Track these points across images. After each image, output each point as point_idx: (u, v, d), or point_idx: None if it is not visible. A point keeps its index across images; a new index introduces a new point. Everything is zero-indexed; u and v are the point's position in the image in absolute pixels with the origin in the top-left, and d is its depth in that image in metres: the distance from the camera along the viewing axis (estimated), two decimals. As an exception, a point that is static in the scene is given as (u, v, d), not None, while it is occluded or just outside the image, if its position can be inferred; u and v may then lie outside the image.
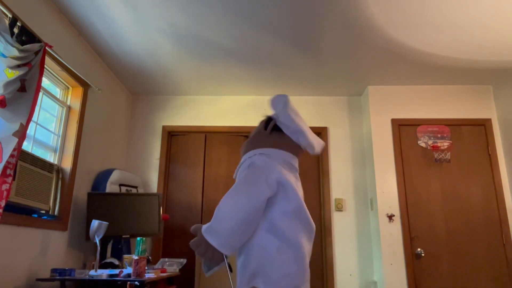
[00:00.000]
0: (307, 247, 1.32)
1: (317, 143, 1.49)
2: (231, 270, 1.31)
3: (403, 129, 3.63)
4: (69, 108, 2.99)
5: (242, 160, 1.48)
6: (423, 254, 3.30)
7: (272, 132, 1.47)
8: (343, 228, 3.63)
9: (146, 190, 3.76)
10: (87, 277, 2.29)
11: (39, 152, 2.64)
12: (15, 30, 2.10)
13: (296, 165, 1.48)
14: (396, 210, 3.40)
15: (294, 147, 1.48)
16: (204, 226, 1.25)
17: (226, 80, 3.68)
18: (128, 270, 2.38)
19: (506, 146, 3.47)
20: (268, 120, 1.52)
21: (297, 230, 1.30)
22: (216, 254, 1.23)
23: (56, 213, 2.69)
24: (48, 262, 2.52)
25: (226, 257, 1.25)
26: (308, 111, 3.98)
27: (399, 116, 3.66)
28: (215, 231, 1.22)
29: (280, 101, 1.45)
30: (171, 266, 2.97)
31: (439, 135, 3.58)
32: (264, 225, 1.30)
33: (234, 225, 1.22)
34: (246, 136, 3.98)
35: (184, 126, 3.97)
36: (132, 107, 4.05)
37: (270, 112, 1.61)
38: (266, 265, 1.25)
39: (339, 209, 3.67)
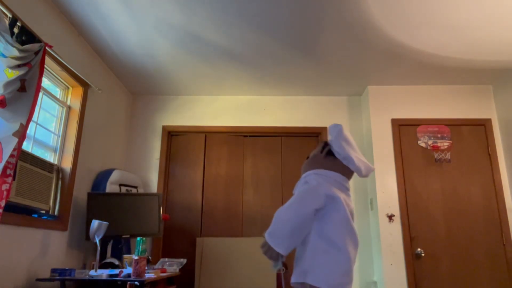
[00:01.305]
0: (352, 252, 1.57)
1: (364, 168, 1.70)
2: (286, 268, 1.55)
3: (403, 129, 3.63)
4: (69, 108, 2.99)
5: (301, 178, 1.73)
6: (423, 254, 3.30)
7: (327, 155, 1.71)
8: (343, 228, 3.62)
9: (146, 190, 3.76)
10: (87, 277, 2.29)
11: (39, 152, 2.64)
12: (15, 30, 2.10)
13: (347, 185, 1.69)
14: (396, 210, 3.40)
15: (345, 170, 1.70)
16: (267, 231, 1.50)
17: (226, 80, 3.68)
18: (128, 270, 2.38)
19: (506, 146, 3.47)
20: (325, 145, 1.76)
21: (343, 237, 1.53)
22: (273, 253, 1.48)
23: (56, 213, 2.69)
24: (48, 262, 2.52)
25: (281, 256, 1.48)
26: (308, 111, 3.98)
27: (399, 116, 3.66)
28: (273, 235, 1.48)
29: (334, 130, 1.71)
30: (171, 266, 2.97)
31: (439, 135, 3.59)
32: (316, 231, 1.53)
33: (288, 230, 1.47)
34: (246, 136, 4.00)
35: (184, 126, 3.97)
36: (132, 107, 4.05)
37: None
38: (315, 264, 1.50)
39: (339, 209, 3.67)
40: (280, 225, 1.47)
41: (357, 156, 1.71)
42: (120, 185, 3.29)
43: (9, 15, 2.09)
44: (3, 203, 1.86)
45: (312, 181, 1.60)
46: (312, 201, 1.51)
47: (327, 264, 1.50)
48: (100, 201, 2.93)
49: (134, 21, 2.75)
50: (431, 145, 3.57)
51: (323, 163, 1.71)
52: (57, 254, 2.63)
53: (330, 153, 1.72)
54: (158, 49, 3.12)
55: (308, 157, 1.81)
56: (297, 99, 4.02)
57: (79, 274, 2.37)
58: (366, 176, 1.72)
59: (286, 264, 1.57)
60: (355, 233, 1.59)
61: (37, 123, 2.60)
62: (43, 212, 2.55)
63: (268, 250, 1.49)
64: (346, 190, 1.68)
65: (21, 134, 2.00)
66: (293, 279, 1.55)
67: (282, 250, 1.45)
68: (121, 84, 3.79)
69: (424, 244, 3.33)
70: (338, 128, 1.73)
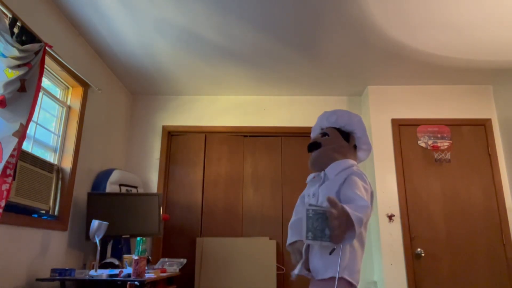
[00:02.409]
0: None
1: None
2: (330, 253, 1.50)
3: (403, 129, 3.63)
4: (69, 108, 2.99)
5: (338, 167, 1.65)
6: (423, 254, 3.30)
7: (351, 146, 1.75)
8: (343, 228, 3.62)
9: (146, 190, 3.76)
10: (87, 277, 2.29)
11: (39, 152, 2.64)
12: (15, 30, 2.10)
13: None
14: (396, 210, 3.40)
15: (357, 159, 1.80)
16: (352, 211, 1.33)
17: (226, 80, 3.68)
18: (128, 270, 2.38)
19: (506, 146, 3.47)
20: (344, 133, 1.75)
21: (366, 233, 1.61)
22: (342, 234, 1.31)
23: (56, 213, 2.69)
24: (48, 262, 2.52)
25: (344, 242, 1.37)
26: (308, 111, 3.98)
27: (399, 116, 3.66)
28: (361, 221, 1.34)
29: (361, 124, 1.75)
30: (171, 266, 2.97)
31: (439, 135, 3.58)
32: None
33: (364, 222, 1.40)
34: (246, 136, 3.98)
35: (184, 126, 3.97)
36: (132, 107, 4.05)
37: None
38: (351, 261, 1.51)
39: (339, 209, 3.67)
40: (364, 217, 1.37)
41: None
42: (120, 185, 3.29)
43: (9, 15, 2.09)
44: (3, 203, 1.86)
45: (361, 176, 1.59)
46: (369, 199, 1.56)
47: (357, 261, 1.54)
48: (100, 201, 2.93)
49: (134, 21, 2.75)
50: (431, 145, 3.57)
51: (351, 153, 1.74)
52: (57, 254, 2.63)
53: (346, 140, 1.75)
54: (158, 49, 3.12)
55: (316, 145, 1.75)
56: (297, 99, 4.02)
57: (79, 274, 2.37)
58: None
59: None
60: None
61: (37, 123, 2.60)
62: (43, 212, 2.55)
63: (339, 228, 1.29)
64: None
65: (21, 134, 2.00)
66: (327, 275, 1.49)
67: (354, 239, 1.37)
68: (121, 84, 3.79)
69: (424, 244, 3.33)
70: (361, 120, 1.77)
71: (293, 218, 1.81)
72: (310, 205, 1.34)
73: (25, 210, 2.36)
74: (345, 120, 1.76)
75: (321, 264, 1.53)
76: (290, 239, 1.73)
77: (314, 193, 1.69)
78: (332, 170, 1.66)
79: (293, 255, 1.71)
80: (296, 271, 1.60)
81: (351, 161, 1.69)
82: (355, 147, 1.78)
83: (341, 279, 1.48)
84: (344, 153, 1.71)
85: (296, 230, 1.73)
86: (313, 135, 1.91)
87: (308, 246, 1.61)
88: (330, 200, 1.29)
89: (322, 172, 1.71)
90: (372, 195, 1.62)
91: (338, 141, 1.74)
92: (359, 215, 1.34)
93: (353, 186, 1.52)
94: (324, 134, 1.78)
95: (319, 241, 1.30)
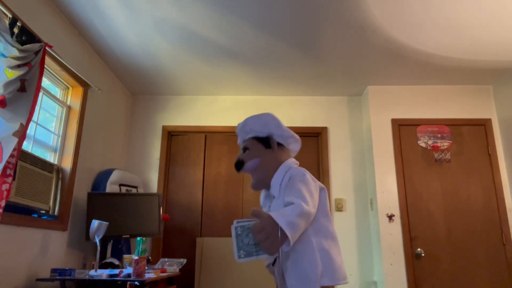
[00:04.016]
0: None
1: (300, 140, 1.73)
2: (273, 264, 1.43)
3: (403, 129, 3.63)
4: (69, 108, 2.99)
5: (277, 181, 1.55)
6: (423, 254, 3.30)
7: (277, 147, 1.63)
8: (343, 228, 3.63)
9: (146, 190, 3.76)
10: (87, 277, 2.29)
11: (39, 152, 2.64)
12: (15, 30, 2.10)
13: None
14: (396, 210, 3.40)
15: (291, 152, 1.71)
16: (280, 217, 1.26)
17: (226, 80, 3.68)
18: (128, 270, 2.38)
19: (506, 146, 3.46)
20: (263, 140, 1.63)
21: (333, 226, 1.52)
22: (274, 245, 1.24)
23: (56, 213, 2.69)
24: (48, 262, 2.52)
25: (281, 251, 1.31)
26: (308, 111, 3.98)
27: (399, 116, 3.66)
28: (294, 225, 1.25)
29: (272, 119, 1.64)
30: (171, 266, 2.97)
31: (439, 135, 3.58)
32: (313, 227, 1.45)
33: (303, 225, 1.31)
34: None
35: (184, 126, 3.97)
36: (132, 107, 4.05)
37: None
38: (326, 263, 1.42)
39: (339, 209, 3.67)
40: (301, 217, 1.28)
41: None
42: (120, 185, 3.29)
43: (9, 15, 2.09)
44: (3, 203, 1.86)
45: (301, 173, 1.49)
46: (316, 195, 1.45)
47: (334, 258, 1.43)
48: (100, 201, 2.93)
49: (134, 21, 2.75)
50: (431, 145, 3.57)
51: (278, 157, 1.61)
52: (57, 254, 2.63)
53: (270, 144, 1.62)
54: (158, 49, 3.12)
55: (241, 164, 1.60)
56: (297, 99, 4.02)
57: (79, 274, 2.37)
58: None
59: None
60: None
61: (37, 123, 2.60)
62: (43, 212, 2.55)
63: (268, 238, 1.23)
64: None
65: (21, 134, 2.00)
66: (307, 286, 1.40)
67: (292, 243, 1.27)
68: (121, 84, 3.79)
69: (424, 244, 3.33)
70: (272, 116, 1.64)
71: None
72: (237, 221, 1.25)
73: (25, 210, 2.36)
74: (257, 125, 1.65)
75: (296, 282, 1.42)
76: (268, 260, 1.55)
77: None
78: (274, 187, 1.56)
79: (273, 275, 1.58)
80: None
81: (287, 164, 1.59)
82: (280, 145, 1.65)
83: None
84: (273, 164, 1.59)
85: None
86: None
87: (280, 269, 1.49)
88: (253, 213, 1.24)
89: (268, 191, 1.62)
90: (321, 188, 1.53)
91: (259, 153, 1.61)
92: (289, 218, 1.25)
93: (289, 191, 1.43)
94: (244, 149, 1.65)
95: (255, 256, 1.23)
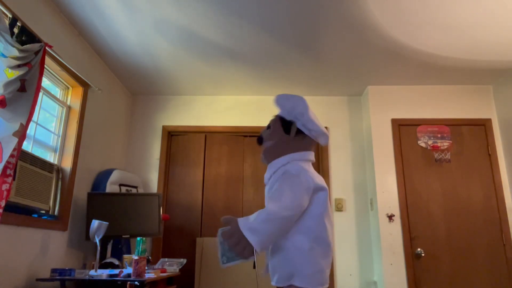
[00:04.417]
0: (332, 243, 1.48)
1: (328, 136, 1.64)
2: (254, 267, 1.47)
3: (403, 129, 3.63)
4: (69, 108, 2.99)
5: (273, 168, 1.54)
6: (423, 254, 3.30)
7: (296, 135, 1.57)
8: (343, 228, 3.63)
9: (146, 190, 3.76)
10: (87, 277, 2.29)
11: (39, 152, 2.64)
12: (15, 30, 2.10)
13: (314, 158, 1.62)
14: (396, 210, 3.40)
15: (312, 144, 1.62)
16: (244, 223, 1.32)
17: (226, 80, 3.68)
18: (128, 270, 2.38)
19: (506, 146, 3.46)
20: (286, 123, 1.58)
21: (325, 229, 1.44)
22: (247, 249, 1.30)
23: (56, 213, 2.69)
24: (48, 262, 2.52)
25: (256, 254, 1.32)
26: (308, 111, 3.98)
27: (399, 116, 3.66)
28: (257, 231, 1.30)
29: (301, 104, 1.55)
30: (171, 266, 2.97)
31: (439, 135, 3.58)
32: (297, 228, 1.42)
33: (275, 229, 1.32)
34: (246, 136, 3.98)
35: (184, 126, 3.97)
36: (132, 107, 4.05)
37: (278, 110, 1.67)
38: (301, 264, 1.39)
39: (339, 209, 3.67)
40: (267, 222, 1.31)
41: (324, 127, 1.63)
42: (120, 185, 3.29)
43: (9, 15, 2.09)
44: (3, 203, 1.86)
45: (294, 171, 1.45)
46: (303, 198, 1.39)
47: (313, 262, 1.40)
48: (100, 201, 2.93)
49: (134, 21, 2.75)
50: (431, 145, 3.57)
51: (294, 145, 1.55)
52: (57, 254, 2.63)
53: (298, 131, 1.57)
54: (158, 49, 3.12)
55: (261, 140, 1.61)
56: (297, 99, 4.01)
57: (79, 274, 2.37)
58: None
59: (255, 262, 1.47)
60: (332, 222, 1.53)
61: (37, 123, 2.60)
62: (43, 212, 2.55)
63: (238, 244, 1.31)
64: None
65: (21, 134, 2.00)
66: (276, 283, 1.43)
67: (262, 248, 1.30)
68: (121, 84, 3.79)
69: (424, 244, 3.33)
70: (304, 101, 1.56)
71: None
72: (221, 229, 1.34)
73: (25, 210, 2.36)
74: (286, 106, 1.58)
75: (271, 269, 1.48)
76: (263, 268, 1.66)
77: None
78: (268, 172, 1.56)
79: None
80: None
81: (285, 158, 1.53)
82: (302, 133, 1.58)
83: (291, 286, 1.39)
84: (282, 150, 1.55)
85: None
86: None
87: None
88: (223, 220, 1.30)
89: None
90: (317, 189, 1.46)
91: (277, 135, 1.58)
92: (252, 225, 1.29)
93: (274, 192, 1.41)
94: (268, 126, 1.63)
95: (235, 261, 1.33)
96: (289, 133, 1.56)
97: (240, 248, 1.30)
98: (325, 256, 1.43)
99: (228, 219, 1.35)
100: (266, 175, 1.58)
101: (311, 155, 1.59)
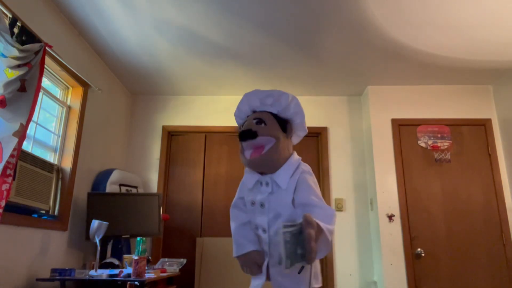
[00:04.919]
0: None
1: None
2: (299, 272, 1.32)
3: (403, 129, 3.63)
4: (69, 108, 2.99)
5: (288, 171, 1.44)
6: (423, 254, 3.30)
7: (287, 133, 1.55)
8: (343, 228, 3.63)
9: (146, 190, 3.76)
10: (87, 277, 2.29)
11: (39, 152, 2.64)
12: (15, 30, 2.10)
13: None
14: (396, 210, 3.40)
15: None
16: (328, 227, 1.26)
17: (226, 80, 3.68)
18: (128, 270, 2.38)
19: (506, 146, 3.46)
20: (281, 121, 1.53)
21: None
22: (317, 254, 1.23)
23: (56, 213, 2.69)
24: (48, 262, 2.52)
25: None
26: (308, 111, 3.96)
27: (399, 116, 3.66)
28: (333, 233, 1.30)
29: (297, 105, 1.52)
30: (171, 266, 2.97)
31: (439, 135, 3.58)
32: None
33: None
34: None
35: (184, 126, 3.97)
36: (132, 107, 4.05)
37: (267, 105, 1.58)
38: (315, 267, 1.41)
39: (339, 209, 3.67)
40: (334, 225, 1.34)
41: None
42: (120, 185, 3.29)
43: (9, 15, 2.09)
44: (3, 203, 1.86)
45: (309, 170, 1.49)
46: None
47: (317, 263, 1.46)
48: (100, 201, 2.93)
49: (134, 21, 2.75)
50: (431, 145, 3.57)
51: (291, 146, 1.54)
52: (57, 254, 2.63)
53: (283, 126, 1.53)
54: (158, 48, 3.12)
55: (254, 134, 1.44)
56: (298, 99, 4.01)
57: (79, 274, 2.37)
58: None
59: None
60: None
61: (37, 123, 2.60)
62: (43, 212, 2.55)
63: (316, 247, 1.18)
64: None
65: (21, 134, 2.00)
66: None
67: (327, 251, 1.31)
68: (121, 84, 3.79)
69: (424, 244, 3.33)
70: (297, 100, 1.52)
71: (235, 224, 1.58)
72: (284, 226, 1.16)
73: (25, 210, 2.36)
74: (283, 104, 1.51)
75: (288, 282, 1.38)
76: (242, 249, 1.49)
77: (263, 203, 1.47)
78: (282, 177, 1.44)
79: (246, 267, 1.49)
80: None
81: (296, 157, 1.50)
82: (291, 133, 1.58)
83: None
84: (287, 151, 1.49)
85: (245, 238, 1.51)
86: (241, 117, 1.60)
87: (268, 262, 1.44)
88: (307, 221, 1.15)
89: (268, 177, 1.48)
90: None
91: (277, 133, 1.46)
92: (330, 227, 1.24)
93: (309, 191, 1.38)
94: (259, 121, 1.47)
95: (296, 263, 1.17)
96: (286, 132, 1.50)
97: (316, 253, 1.16)
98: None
99: (312, 221, 1.18)
100: (281, 180, 1.45)
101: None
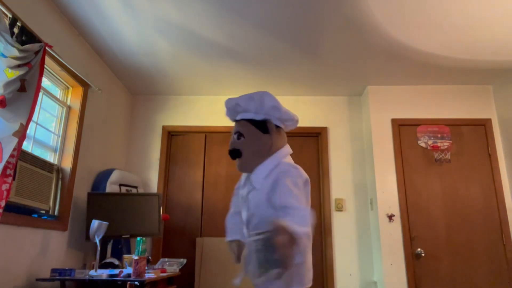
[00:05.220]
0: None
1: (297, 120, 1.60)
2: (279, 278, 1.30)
3: (403, 129, 3.63)
4: (69, 108, 2.99)
5: (262, 173, 1.44)
6: (423, 254, 3.30)
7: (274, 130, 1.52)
8: (343, 228, 3.63)
9: (146, 190, 3.76)
10: (87, 277, 2.29)
11: (39, 152, 2.64)
12: (15, 30, 2.10)
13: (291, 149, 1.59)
14: (396, 210, 3.40)
15: (285, 135, 1.58)
16: (302, 229, 1.18)
17: (226, 80, 3.68)
18: (128, 270, 2.38)
19: (506, 146, 3.46)
20: (259, 123, 1.50)
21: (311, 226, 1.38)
22: (293, 260, 1.16)
23: (56, 213, 2.69)
24: (48, 262, 2.52)
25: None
26: (308, 111, 3.98)
27: (399, 116, 3.66)
28: (308, 234, 1.22)
29: (268, 99, 1.47)
30: (171, 266, 2.97)
31: (439, 135, 3.58)
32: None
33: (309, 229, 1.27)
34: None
35: (184, 126, 3.97)
36: (132, 107, 4.05)
37: (239, 115, 1.59)
38: (298, 268, 1.37)
39: (339, 209, 3.67)
40: (309, 225, 1.27)
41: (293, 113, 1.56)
42: (120, 185, 3.29)
43: (9, 15, 2.09)
44: (3, 203, 1.86)
45: (288, 169, 1.42)
46: (304, 191, 1.41)
47: (303, 264, 1.39)
48: (100, 201, 2.93)
49: (134, 21, 2.75)
50: (431, 145, 3.57)
51: (274, 143, 1.49)
52: (57, 254, 2.63)
53: (266, 126, 1.50)
54: (158, 49, 3.12)
55: (238, 153, 1.48)
56: (297, 99, 4.02)
57: (79, 274, 2.37)
58: None
59: None
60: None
61: (37, 123, 2.60)
62: (43, 212, 2.55)
63: (291, 253, 1.15)
64: None
65: (21, 134, 2.00)
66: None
67: (308, 242, 1.26)
68: (121, 84, 3.79)
69: (424, 244, 3.33)
70: (268, 94, 1.47)
71: (230, 210, 1.70)
72: (255, 234, 1.15)
73: (25, 210, 2.36)
74: (252, 107, 1.49)
75: (268, 283, 1.36)
76: (230, 236, 1.62)
77: (245, 199, 1.51)
78: (257, 177, 1.46)
79: (232, 253, 1.60)
80: (237, 281, 1.46)
81: (274, 158, 1.47)
82: (277, 127, 1.54)
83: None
84: (267, 150, 1.48)
85: (234, 226, 1.63)
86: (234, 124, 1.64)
87: (249, 254, 1.45)
88: (276, 227, 1.10)
89: (248, 175, 1.53)
90: (307, 182, 1.45)
91: (255, 139, 1.49)
92: (304, 230, 1.18)
93: (285, 192, 1.34)
94: (239, 135, 1.53)
95: (270, 270, 1.14)
96: (269, 132, 1.48)
97: (290, 259, 1.13)
98: (310, 255, 1.43)
99: (281, 226, 1.13)
100: (256, 180, 1.47)
101: (289, 147, 1.58)
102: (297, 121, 1.58)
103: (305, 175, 1.45)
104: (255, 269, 1.15)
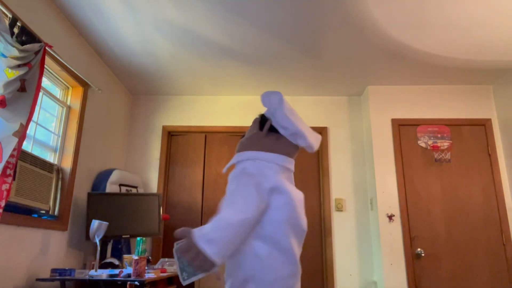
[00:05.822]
0: (297, 250, 1.35)
1: (315, 140, 1.45)
2: (218, 279, 1.32)
3: (403, 129, 3.63)
4: (69, 108, 2.99)
5: (234, 159, 1.44)
6: (423, 254, 3.30)
7: (269, 133, 1.43)
8: (343, 228, 3.63)
9: (146, 190, 3.76)
10: (87, 277, 2.29)
11: (39, 152, 2.64)
12: (15, 30, 2.10)
13: (292, 167, 1.45)
14: (396, 210, 3.40)
15: (291, 149, 1.44)
16: (199, 234, 1.23)
17: (226, 80, 3.68)
18: (128, 270, 2.38)
19: (506, 146, 3.47)
20: (263, 119, 1.48)
21: (288, 236, 1.31)
22: (206, 262, 1.19)
23: (56, 213, 2.69)
24: (48, 262, 2.52)
25: (215, 267, 1.23)
26: (308, 111, 3.98)
27: (399, 116, 3.66)
28: (213, 241, 1.20)
29: (274, 100, 1.41)
30: (171, 266, 2.97)
31: (439, 135, 3.58)
32: (255, 233, 1.31)
33: (232, 236, 1.22)
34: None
35: (184, 126, 3.97)
36: (132, 107, 4.05)
37: (263, 110, 1.62)
38: (258, 271, 1.28)
39: (339, 209, 3.67)
40: (222, 229, 1.22)
41: (306, 128, 1.43)
42: (120, 185, 3.29)
43: (9, 15, 2.09)
44: (3, 203, 1.86)
45: (252, 169, 1.34)
46: (257, 201, 1.27)
47: (273, 269, 1.28)
48: (100, 201, 2.93)
49: (134, 21, 2.75)
50: (431, 145, 3.57)
51: (264, 144, 1.40)
52: (57, 254, 2.63)
53: (271, 129, 1.43)
54: (158, 49, 3.12)
55: (242, 137, 1.51)
56: (298, 99, 4.02)
57: (79, 274, 2.37)
58: (315, 150, 1.45)
59: (219, 274, 1.31)
60: (301, 227, 1.36)
61: (37, 123, 2.60)
62: (43, 212, 2.55)
63: (196, 257, 1.19)
64: (291, 173, 1.44)
65: (21, 134, 2.00)
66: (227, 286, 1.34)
67: (220, 259, 1.20)
68: (121, 84, 3.79)
69: (424, 244, 3.33)
70: (278, 96, 1.41)
71: None
72: (176, 243, 1.22)
73: (25, 210, 2.36)
74: (266, 105, 1.45)
75: (225, 274, 1.36)
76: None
77: None
78: (228, 164, 1.46)
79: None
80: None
81: (250, 154, 1.40)
82: (277, 133, 1.44)
83: None
84: (251, 145, 1.42)
85: None
86: None
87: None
88: (177, 234, 1.17)
89: None
90: (274, 190, 1.32)
91: (251, 131, 1.48)
92: (209, 236, 1.19)
93: (228, 191, 1.32)
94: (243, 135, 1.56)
95: (195, 276, 1.20)
96: (262, 130, 1.44)
97: (199, 262, 1.18)
98: (288, 264, 1.30)
99: (183, 231, 1.23)
100: (227, 166, 1.49)
101: (287, 162, 1.41)
102: (305, 137, 1.41)
103: (268, 182, 1.32)
104: (179, 276, 1.22)
